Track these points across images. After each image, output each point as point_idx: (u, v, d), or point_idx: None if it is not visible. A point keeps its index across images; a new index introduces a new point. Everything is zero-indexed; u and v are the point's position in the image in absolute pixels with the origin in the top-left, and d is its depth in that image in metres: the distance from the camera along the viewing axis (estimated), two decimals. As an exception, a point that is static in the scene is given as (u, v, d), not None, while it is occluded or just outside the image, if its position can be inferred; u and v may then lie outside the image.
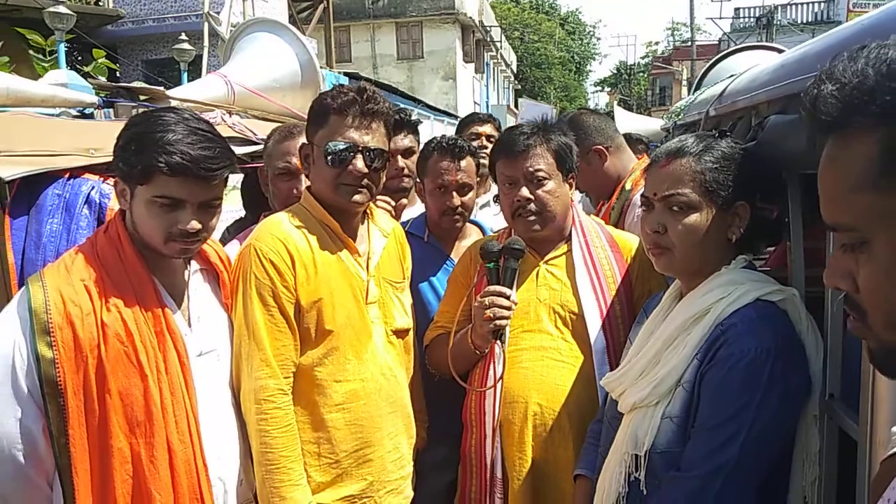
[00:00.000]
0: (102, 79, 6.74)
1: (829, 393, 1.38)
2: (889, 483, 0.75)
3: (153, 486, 1.48)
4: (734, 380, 1.36)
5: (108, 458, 1.45)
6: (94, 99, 2.99)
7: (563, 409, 1.89)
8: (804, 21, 26.38)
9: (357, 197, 1.81)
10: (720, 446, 1.35)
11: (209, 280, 1.77)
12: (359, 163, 1.79)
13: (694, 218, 1.47)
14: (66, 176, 1.93)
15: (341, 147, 1.77)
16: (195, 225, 1.55)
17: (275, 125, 2.89)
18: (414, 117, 2.94)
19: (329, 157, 1.78)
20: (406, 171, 2.71)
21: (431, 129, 16.23)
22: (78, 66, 8.57)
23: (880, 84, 0.61)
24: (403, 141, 2.77)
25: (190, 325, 1.66)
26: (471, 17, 26.29)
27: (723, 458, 1.34)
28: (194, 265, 1.73)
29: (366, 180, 1.80)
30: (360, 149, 1.79)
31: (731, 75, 2.23)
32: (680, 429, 1.43)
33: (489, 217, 2.97)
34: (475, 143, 3.15)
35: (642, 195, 1.57)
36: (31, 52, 7.37)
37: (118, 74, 11.86)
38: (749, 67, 2.15)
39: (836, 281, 0.70)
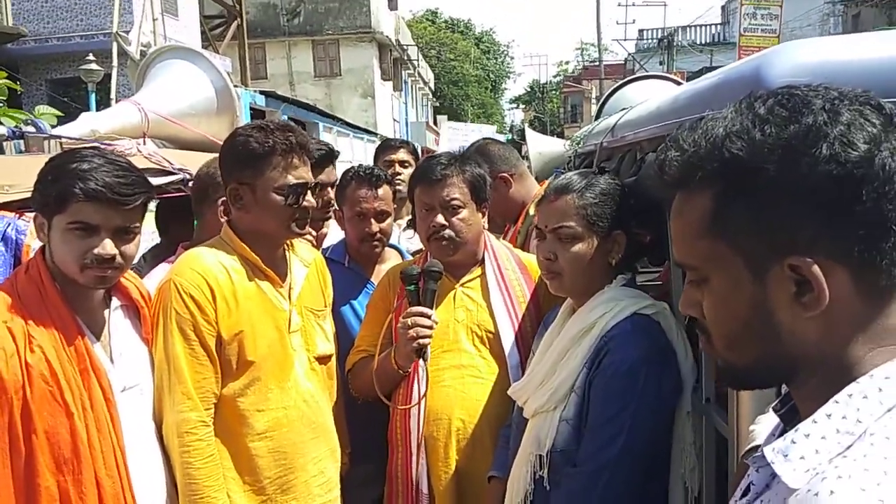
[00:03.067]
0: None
1: (705, 397, 1.57)
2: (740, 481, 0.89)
3: None
4: (615, 385, 1.57)
5: (35, 497, 1.47)
6: (2, 130, 2.93)
7: (483, 423, 2.01)
8: (702, 42, 27.98)
9: (307, 228, 1.96)
10: (605, 444, 1.55)
11: (130, 316, 1.79)
12: (310, 198, 1.91)
13: (579, 247, 1.68)
14: (-20, 214, 1.93)
15: (295, 186, 1.85)
16: (110, 250, 1.58)
17: (192, 154, 2.91)
18: (331, 138, 3.00)
19: (286, 197, 1.84)
20: (332, 201, 2.80)
21: (351, 146, 16.21)
22: (-25, 87, 8.14)
23: (709, 153, 0.74)
24: (333, 173, 2.86)
25: (113, 361, 1.68)
26: (387, 36, 26.46)
27: (608, 453, 1.54)
28: (115, 301, 1.75)
29: (310, 212, 1.93)
30: (309, 186, 1.90)
31: (623, 109, 2.44)
32: (575, 430, 1.62)
33: (406, 240, 3.08)
34: (389, 171, 3.27)
35: (535, 226, 1.76)
36: (-77, 73, 6.98)
37: (20, 94, 11.33)
38: (640, 101, 2.36)
39: (687, 309, 0.84)
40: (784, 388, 0.84)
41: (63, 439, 1.50)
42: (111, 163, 1.60)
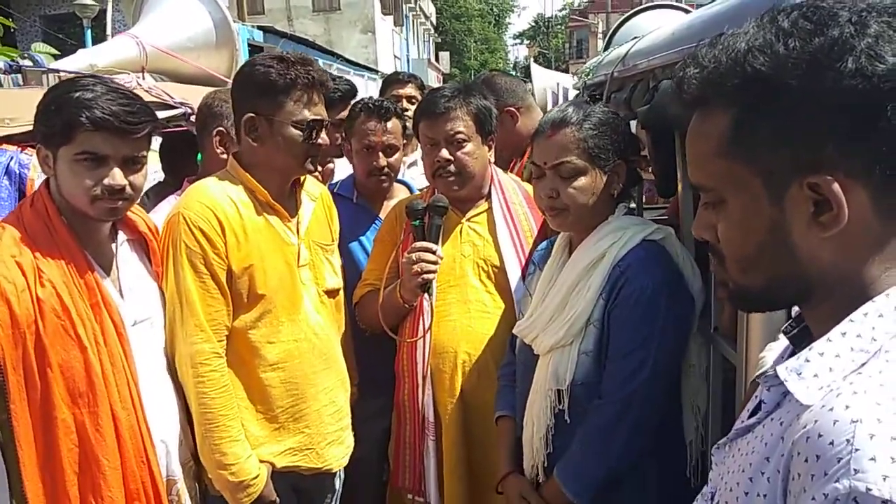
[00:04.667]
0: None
1: (713, 326, 1.58)
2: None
3: (100, 452, 1.53)
4: (637, 315, 1.57)
5: (52, 429, 1.49)
6: (-1, 65, 2.87)
7: (489, 356, 2.04)
8: (713, -29, 27.01)
9: (317, 164, 1.94)
10: (633, 373, 1.56)
11: (137, 250, 1.79)
12: (324, 136, 1.89)
13: (583, 181, 1.65)
14: (-18, 149, 1.91)
15: (314, 121, 1.83)
16: (120, 180, 1.56)
17: (192, 88, 2.86)
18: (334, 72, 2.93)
19: (303, 132, 1.82)
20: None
21: (352, 84, 15.97)
22: (-33, 25, 7.95)
23: (730, 69, 0.71)
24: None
25: (122, 295, 1.69)
26: (387, -32, 25.72)
27: (636, 381, 1.55)
28: (122, 236, 1.75)
29: (322, 149, 1.91)
30: (325, 123, 1.88)
31: (634, 37, 2.36)
32: (595, 362, 1.62)
33: (418, 176, 3.05)
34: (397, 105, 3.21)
35: (532, 162, 1.71)
36: (-87, 9, 6.81)
37: (13, 31, 11.07)
38: (652, 30, 2.29)
39: (702, 232, 0.82)
40: (795, 310, 0.84)
41: (77, 373, 1.51)
42: (114, 91, 1.56)
